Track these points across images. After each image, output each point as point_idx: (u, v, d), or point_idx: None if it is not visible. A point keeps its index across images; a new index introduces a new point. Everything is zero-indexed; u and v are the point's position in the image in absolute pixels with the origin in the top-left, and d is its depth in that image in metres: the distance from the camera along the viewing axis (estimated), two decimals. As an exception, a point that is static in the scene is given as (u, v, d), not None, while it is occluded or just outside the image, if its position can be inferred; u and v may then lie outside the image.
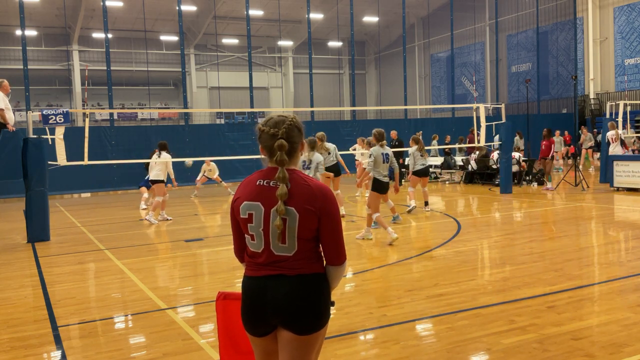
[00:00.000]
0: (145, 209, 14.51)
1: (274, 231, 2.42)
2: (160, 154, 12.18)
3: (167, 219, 12.64)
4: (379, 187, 9.03)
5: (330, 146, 12.06)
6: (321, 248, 2.53)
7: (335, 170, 11.92)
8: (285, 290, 2.42)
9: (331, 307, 2.54)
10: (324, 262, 2.54)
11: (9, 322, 5.47)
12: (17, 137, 10.33)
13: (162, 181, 12.24)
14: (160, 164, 12.08)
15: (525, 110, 26.36)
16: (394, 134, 18.89)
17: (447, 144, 22.07)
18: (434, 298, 5.68)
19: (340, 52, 42.85)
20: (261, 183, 2.47)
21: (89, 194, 21.13)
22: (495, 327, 4.72)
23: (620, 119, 16.82)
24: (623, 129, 16.94)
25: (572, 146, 29.62)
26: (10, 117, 10.38)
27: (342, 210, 11.90)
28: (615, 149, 15.37)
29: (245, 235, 2.52)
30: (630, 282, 6.06)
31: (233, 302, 2.77)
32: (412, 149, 12.24)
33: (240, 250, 2.63)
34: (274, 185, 2.43)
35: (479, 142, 15.62)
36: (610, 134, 15.67)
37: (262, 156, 2.53)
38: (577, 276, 6.38)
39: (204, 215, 13.88)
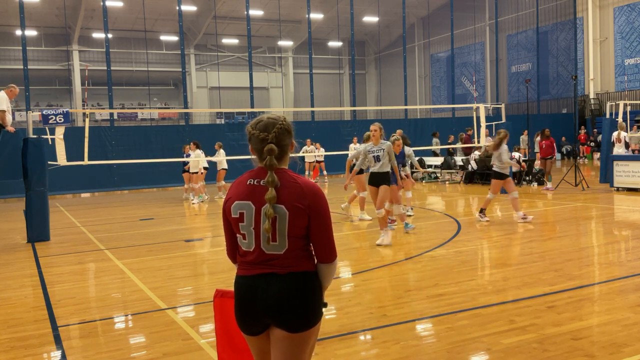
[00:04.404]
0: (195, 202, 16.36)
1: (264, 230, 2.44)
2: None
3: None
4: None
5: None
6: (312, 246, 2.54)
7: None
8: (276, 288, 2.44)
9: (323, 309, 2.55)
10: (315, 261, 2.55)
11: (9, 322, 5.47)
12: (17, 137, 10.33)
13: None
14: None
15: (525, 110, 26.32)
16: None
17: (449, 144, 22.08)
18: (434, 298, 5.68)
19: (340, 52, 42.84)
20: (252, 182, 2.50)
21: (89, 194, 21.14)
22: (495, 327, 4.72)
23: (620, 119, 16.80)
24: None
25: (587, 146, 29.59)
26: (9, 119, 10.39)
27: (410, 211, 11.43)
28: (619, 150, 15.34)
29: (237, 234, 2.55)
30: (630, 282, 6.05)
31: (230, 300, 2.79)
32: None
33: (233, 251, 2.66)
34: (264, 185, 2.46)
35: (479, 142, 15.61)
36: (623, 134, 15.60)
37: (253, 156, 2.56)
38: (577, 276, 6.38)
39: (204, 215, 13.88)
